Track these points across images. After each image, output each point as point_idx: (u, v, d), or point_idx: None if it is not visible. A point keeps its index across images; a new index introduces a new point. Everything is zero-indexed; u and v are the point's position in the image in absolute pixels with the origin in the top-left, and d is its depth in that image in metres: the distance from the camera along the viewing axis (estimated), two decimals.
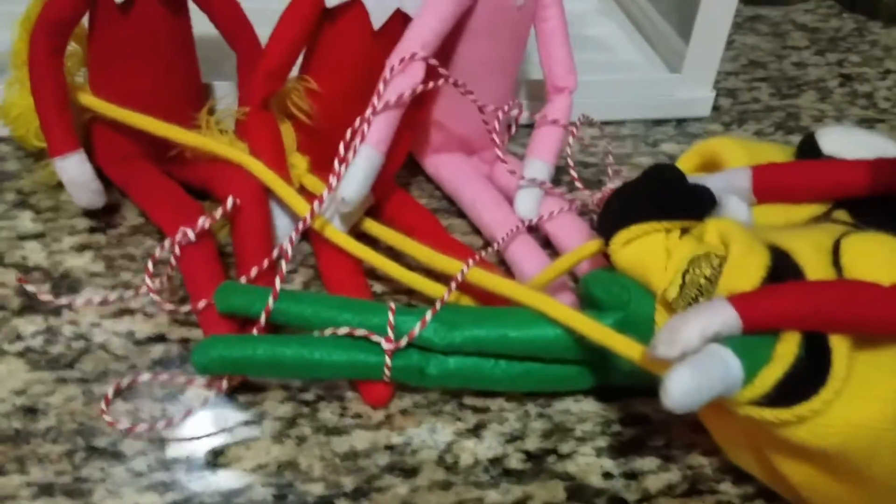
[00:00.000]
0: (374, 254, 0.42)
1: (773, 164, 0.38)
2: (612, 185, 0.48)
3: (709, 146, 0.42)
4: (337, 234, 0.43)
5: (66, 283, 0.42)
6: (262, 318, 0.37)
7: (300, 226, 0.41)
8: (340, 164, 0.42)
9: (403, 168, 0.50)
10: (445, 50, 0.48)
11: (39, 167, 0.47)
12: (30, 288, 0.41)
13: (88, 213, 0.46)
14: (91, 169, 0.43)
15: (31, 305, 0.41)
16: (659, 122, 0.60)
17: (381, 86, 0.43)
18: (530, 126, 0.50)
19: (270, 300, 0.38)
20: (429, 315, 0.37)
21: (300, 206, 0.43)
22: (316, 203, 0.41)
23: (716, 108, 0.62)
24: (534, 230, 0.47)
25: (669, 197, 0.35)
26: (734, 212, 0.34)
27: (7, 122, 0.47)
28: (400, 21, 0.45)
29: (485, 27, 0.47)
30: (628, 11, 0.70)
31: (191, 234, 0.40)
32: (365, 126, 0.42)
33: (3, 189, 0.47)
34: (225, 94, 0.51)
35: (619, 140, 0.58)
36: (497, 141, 0.47)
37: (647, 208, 0.34)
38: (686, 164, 0.43)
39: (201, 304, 0.39)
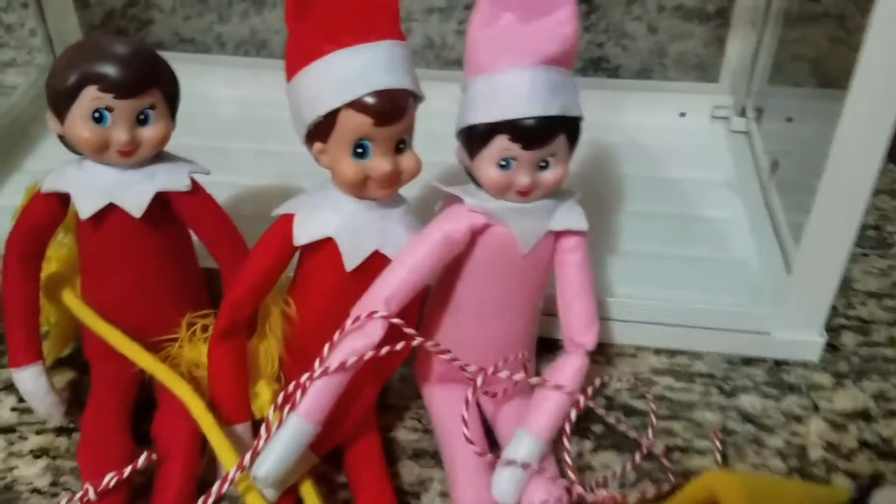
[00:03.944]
0: None
1: None
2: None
3: (705, 486, 0.33)
4: (260, 502, 0.38)
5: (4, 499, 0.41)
6: None
7: (218, 488, 0.37)
8: (267, 431, 0.37)
9: (412, 384, 0.46)
10: (447, 284, 0.42)
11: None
12: None
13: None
14: (46, 383, 0.42)
15: None
16: (749, 362, 0.49)
17: (325, 348, 0.38)
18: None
19: None
20: None
21: (228, 459, 0.39)
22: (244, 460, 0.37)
23: (835, 347, 0.49)
24: None
25: None
26: None
27: None
28: (379, 262, 0.40)
29: (488, 271, 0.41)
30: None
31: (91, 494, 0.37)
32: (299, 392, 0.37)
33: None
34: None
35: (685, 380, 0.48)
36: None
37: None
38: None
39: None
